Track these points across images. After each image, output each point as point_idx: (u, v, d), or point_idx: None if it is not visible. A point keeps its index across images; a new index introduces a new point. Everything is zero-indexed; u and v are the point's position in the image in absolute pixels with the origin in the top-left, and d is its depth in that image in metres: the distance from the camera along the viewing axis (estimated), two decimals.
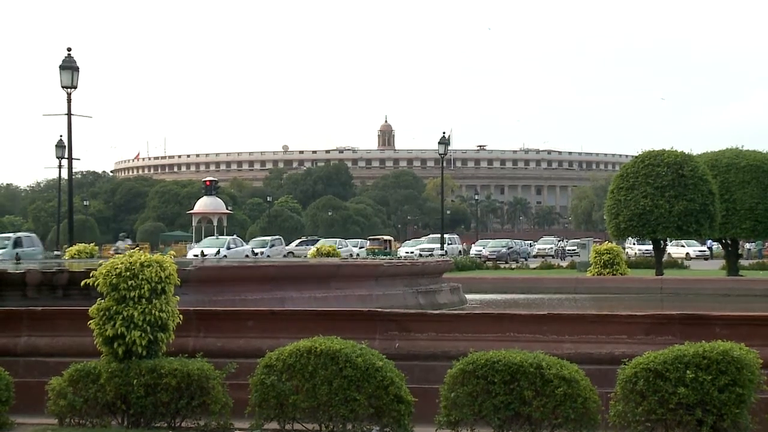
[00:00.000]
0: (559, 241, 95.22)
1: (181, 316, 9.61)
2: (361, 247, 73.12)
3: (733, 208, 37.18)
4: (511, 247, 69.37)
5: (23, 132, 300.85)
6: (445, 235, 72.20)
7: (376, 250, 65.23)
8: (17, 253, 31.35)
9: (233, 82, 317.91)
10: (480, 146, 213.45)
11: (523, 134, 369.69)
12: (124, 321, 9.11)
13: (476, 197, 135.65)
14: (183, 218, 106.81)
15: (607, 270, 28.92)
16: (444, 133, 62.65)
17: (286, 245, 71.80)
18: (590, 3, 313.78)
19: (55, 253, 57.17)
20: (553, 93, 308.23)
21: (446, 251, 62.46)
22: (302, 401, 8.73)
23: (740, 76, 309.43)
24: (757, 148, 39.45)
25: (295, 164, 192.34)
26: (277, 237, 69.76)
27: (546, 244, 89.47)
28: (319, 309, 12.34)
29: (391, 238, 79.42)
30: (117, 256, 9.65)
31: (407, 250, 66.80)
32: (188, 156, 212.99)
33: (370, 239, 72.12)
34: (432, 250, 62.61)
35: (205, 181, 67.51)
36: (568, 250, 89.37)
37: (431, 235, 79.80)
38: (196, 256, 37.80)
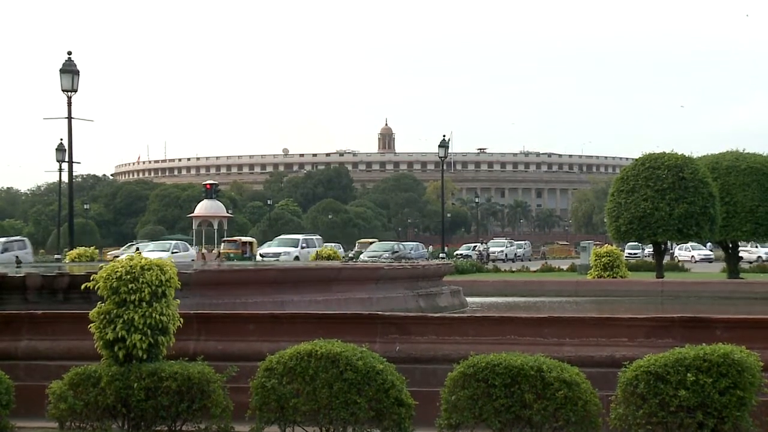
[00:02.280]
0: (481, 242, 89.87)
1: (181, 319, 9.60)
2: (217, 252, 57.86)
3: (734, 210, 37.22)
4: (396, 252, 61.28)
5: (24, 136, 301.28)
6: (300, 236, 64.99)
7: (231, 255, 53.59)
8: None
9: (233, 86, 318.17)
10: (480, 149, 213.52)
11: (524, 137, 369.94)
12: (125, 324, 9.11)
13: (476, 200, 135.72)
14: (183, 222, 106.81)
15: (608, 273, 28.92)
16: (444, 136, 62.63)
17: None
18: (591, 6, 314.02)
19: (56, 256, 57.22)
20: (553, 96, 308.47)
21: (298, 256, 55.55)
22: (303, 404, 8.73)
23: (741, 79, 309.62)
24: (758, 150, 39.53)
25: (295, 167, 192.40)
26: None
27: (498, 246, 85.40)
28: (319, 312, 12.34)
29: (253, 240, 65.83)
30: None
31: (262, 252, 59.00)
32: (188, 159, 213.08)
33: (224, 241, 60.69)
34: (279, 254, 55.99)
35: (206, 184, 67.23)
36: (518, 255, 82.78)
37: (283, 236, 69.35)
38: None
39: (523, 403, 8.35)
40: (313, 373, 8.73)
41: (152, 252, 47.92)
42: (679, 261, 63.73)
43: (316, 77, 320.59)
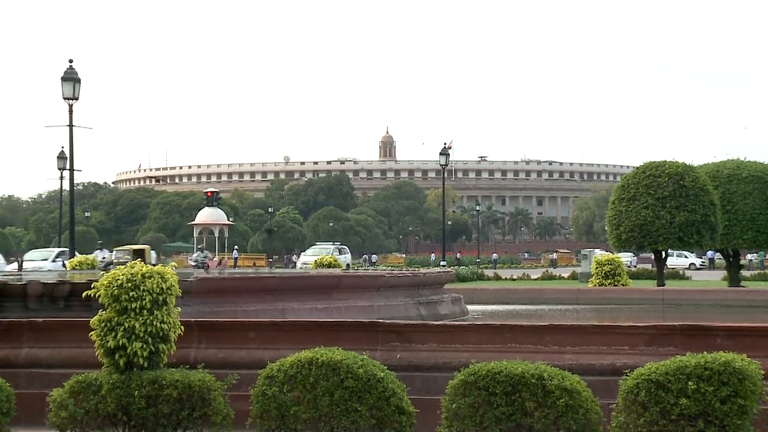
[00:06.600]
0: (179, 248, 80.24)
1: (182, 327, 9.59)
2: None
3: (735, 218, 37.18)
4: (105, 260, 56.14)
5: (25, 143, 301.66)
6: None
7: None
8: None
9: (234, 94, 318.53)
10: (481, 157, 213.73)
11: (524, 145, 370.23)
12: (126, 332, 9.10)
13: (477, 208, 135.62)
14: (184, 229, 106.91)
15: (609, 281, 28.85)
16: (445, 144, 62.76)
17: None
18: (591, 14, 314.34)
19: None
20: (554, 104, 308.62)
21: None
22: (303, 412, 8.72)
23: (742, 84, 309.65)
24: (759, 158, 39.52)
25: (296, 175, 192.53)
26: None
27: (313, 255, 68.54)
28: (320, 320, 12.33)
29: None
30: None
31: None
32: (189, 167, 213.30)
33: None
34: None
35: (207, 192, 67.25)
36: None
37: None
38: None
39: (524, 411, 8.34)
40: (313, 381, 8.72)
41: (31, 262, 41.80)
42: None
43: (317, 85, 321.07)
